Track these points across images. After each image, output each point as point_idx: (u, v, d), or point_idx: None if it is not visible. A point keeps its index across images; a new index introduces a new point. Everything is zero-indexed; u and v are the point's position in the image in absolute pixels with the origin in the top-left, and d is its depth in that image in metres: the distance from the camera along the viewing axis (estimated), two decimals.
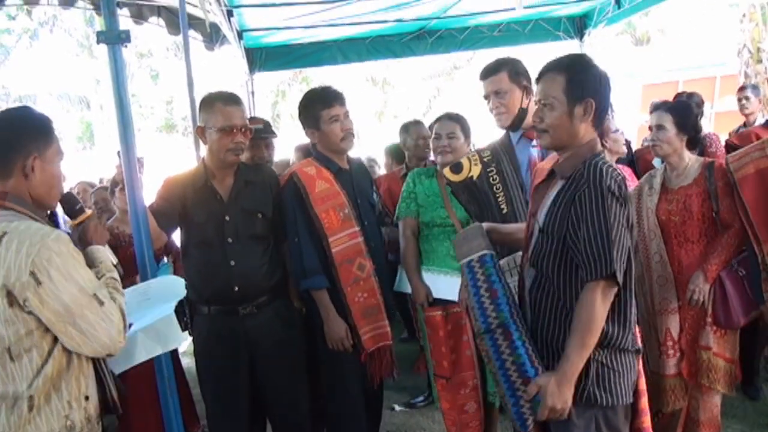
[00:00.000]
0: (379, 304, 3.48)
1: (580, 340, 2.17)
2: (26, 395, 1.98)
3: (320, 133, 3.46)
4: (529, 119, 3.19)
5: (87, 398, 2.13)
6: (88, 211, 2.35)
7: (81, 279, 2.03)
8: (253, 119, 4.04)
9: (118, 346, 2.11)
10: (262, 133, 3.92)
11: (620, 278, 2.15)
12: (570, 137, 2.34)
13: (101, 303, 2.06)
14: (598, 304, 2.15)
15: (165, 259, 4.13)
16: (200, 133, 3.26)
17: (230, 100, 3.22)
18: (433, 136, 3.76)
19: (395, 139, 5.49)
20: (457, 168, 3.33)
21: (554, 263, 2.31)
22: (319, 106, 3.44)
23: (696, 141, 3.66)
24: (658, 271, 3.52)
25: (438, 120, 3.79)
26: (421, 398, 5.02)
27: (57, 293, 1.96)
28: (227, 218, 3.22)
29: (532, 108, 3.16)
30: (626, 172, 4.17)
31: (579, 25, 7.86)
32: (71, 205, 2.34)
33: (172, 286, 2.66)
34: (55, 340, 2.03)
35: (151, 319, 2.47)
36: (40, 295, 1.94)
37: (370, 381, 3.51)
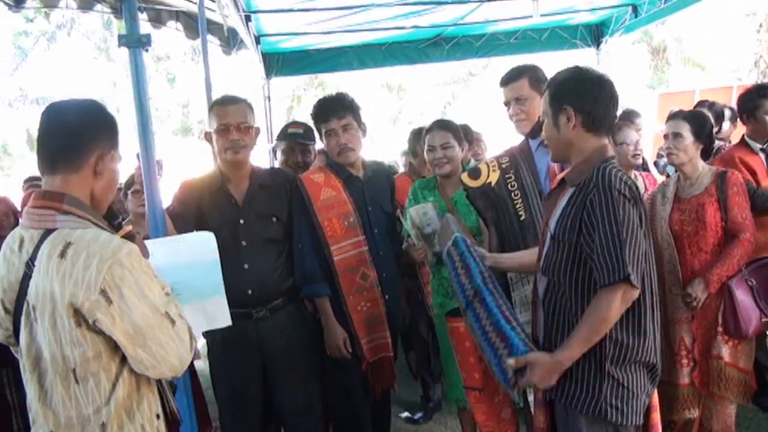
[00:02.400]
0: (381, 315, 3.49)
1: (586, 335, 2.20)
2: (97, 422, 1.84)
3: (325, 143, 3.55)
4: None
5: (158, 416, 2.00)
6: (128, 227, 2.21)
7: (153, 297, 1.86)
8: (294, 124, 4.10)
9: (185, 366, 1.98)
10: (298, 138, 3.95)
11: (636, 281, 2.14)
12: (565, 146, 2.40)
13: (173, 322, 1.91)
14: (614, 306, 2.16)
15: None
16: (208, 139, 3.29)
17: (227, 100, 3.26)
18: (426, 148, 3.64)
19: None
20: (475, 173, 3.31)
21: (565, 270, 2.32)
22: (318, 120, 3.51)
23: (709, 151, 3.66)
24: (672, 280, 3.52)
25: (429, 131, 3.66)
26: (419, 414, 4.95)
27: (128, 313, 1.80)
28: (242, 222, 3.24)
29: None
30: (648, 179, 4.16)
31: (596, 34, 7.84)
32: (112, 218, 2.26)
33: (202, 244, 2.49)
34: (123, 361, 1.89)
35: (196, 291, 2.35)
36: (112, 315, 1.78)
37: (372, 391, 3.53)
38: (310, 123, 3.82)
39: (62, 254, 1.78)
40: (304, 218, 3.39)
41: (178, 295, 2.12)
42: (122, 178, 5.44)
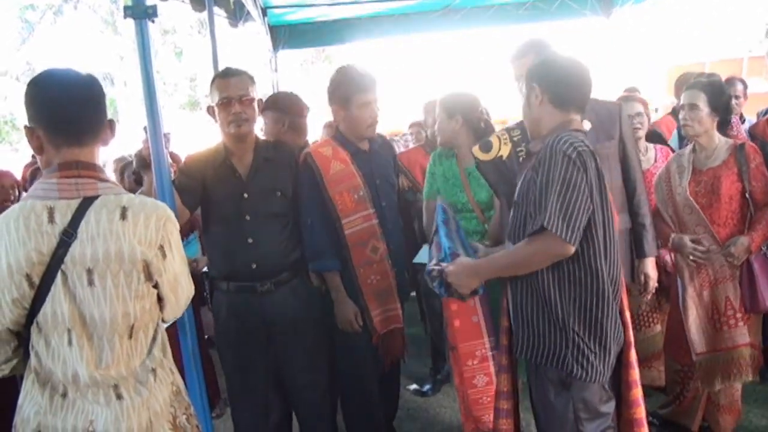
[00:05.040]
0: (391, 287, 3.48)
1: (503, 263, 2.44)
2: (146, 370, 1.99)
3: (347, 114, 3.43)
4: None
5: (175, 363, 2.16)
6: None
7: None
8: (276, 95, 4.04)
9: None
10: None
11: (565, 236, 2.17)
12: (536, 122, 2.52)
13: (188, 268, 2.15)
14: (535, 254, 2.28)
15: (192, 235, 4.15)
16: (211, 113, 3.25)
17: (227, 73, 3.20)
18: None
19: (417, 116, 5.49)
20: (486, 147, 3.27)
21: (523, 234, 2.38)
22: (354, 88, 3.38)
23: (726, 123, 3.61)
24: (708, 241, 3.45)
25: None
26: (428, 386, 4.96)
27: (173, 263, 2.02)
28: (246, 196, 3.20)
29: None
30: (661, 152, 4.13)
31: (606, 3, 7.72)
32: None
33: None
34: (160, 311, 2.08)
35: None
36: (165, 267, 1.98)
37: (381, 363, 3.52)
38: (316, 97, 3.77)
39: (123, 216, 1.90)
40: (314, 192, 3.35)
41: None
42: (131, 151, 5.46)
